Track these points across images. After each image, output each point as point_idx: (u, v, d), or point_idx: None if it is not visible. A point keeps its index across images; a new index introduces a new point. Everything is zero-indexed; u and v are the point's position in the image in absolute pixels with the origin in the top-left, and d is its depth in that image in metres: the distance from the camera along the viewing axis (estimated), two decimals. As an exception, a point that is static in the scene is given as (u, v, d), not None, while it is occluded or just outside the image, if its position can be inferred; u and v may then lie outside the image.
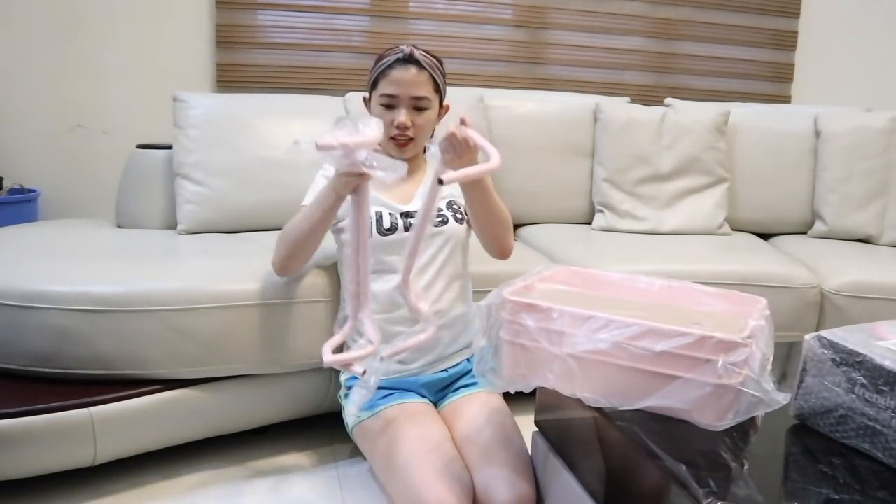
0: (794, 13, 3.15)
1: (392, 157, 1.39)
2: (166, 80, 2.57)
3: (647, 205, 2.36)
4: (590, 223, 2.42)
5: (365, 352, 1.24)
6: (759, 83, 3.18)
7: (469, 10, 2.84)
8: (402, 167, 1.16)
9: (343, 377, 1.49)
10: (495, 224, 1.42)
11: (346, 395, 1.46)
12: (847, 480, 0.88)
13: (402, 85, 1.43)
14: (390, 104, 1.44)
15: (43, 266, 1.56)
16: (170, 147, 2.08)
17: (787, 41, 3.17)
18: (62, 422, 1.35)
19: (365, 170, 1.16)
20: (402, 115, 1.43)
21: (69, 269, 1.54)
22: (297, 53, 2.71)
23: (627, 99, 2.57)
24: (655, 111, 2.43)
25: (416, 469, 1.20)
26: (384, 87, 1.44)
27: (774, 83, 3.20)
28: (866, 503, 0.84)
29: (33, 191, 2.53)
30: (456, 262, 1.48)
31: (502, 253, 1.47)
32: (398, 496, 1.23)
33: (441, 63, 1.50)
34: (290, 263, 1.46)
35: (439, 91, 1.49)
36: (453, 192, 1.50)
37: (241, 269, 1.59)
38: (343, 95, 2.18)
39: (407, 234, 1.40)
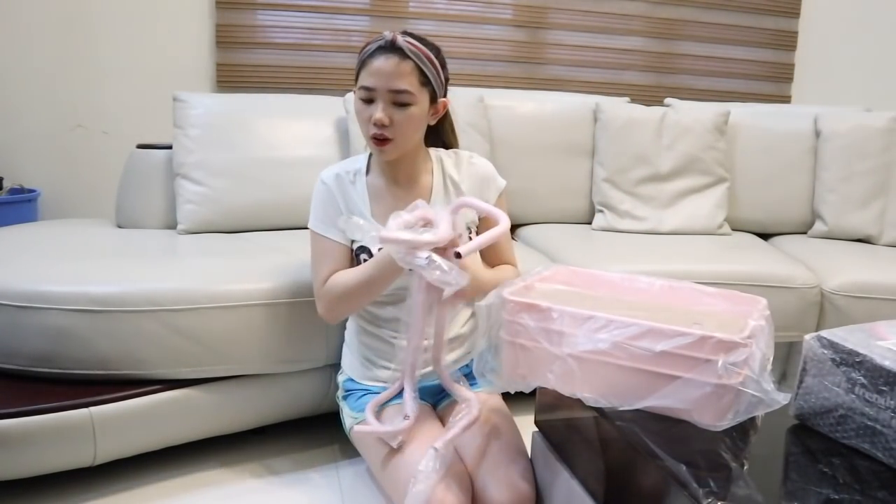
0: (794, 13, 3.15)
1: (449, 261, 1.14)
2: (166, 80, 2.57)
3: (647, 205, 2.36)
4: (590, 223, 2.42)
5: (403, 427, 1.24)
6: (759, 83, 3.18)
7: (469, 10, 2.85)
8: (464, 279, 1.09)
9: (340, 378, 1.49)
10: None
11: (344, 397, 1.45)
12: (847, 480, 0.88)
13: (381, 76, 1.26)
14: (368, 98, 1.29)
15: (43, 266, 1.56)
16: (170, 147, 2.08)
17: (787, 41, 3.17)
18: (62, 422, 1.35)
19: (422, 272, 1.10)
20: (379, 111, 1.27)
21: (69, 269, 1.54)
22: (297, 53, 2.71)
23: (627, 99, 2.57)
24: (655, 111, 2.43)
25: (414, 470, 1.20)
26: (363, 78, 1.28)
27: (774, 83, 3.20)
28: (866, 503, 0.84)
29: (33, 191, 2.53)
30: None
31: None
32: (397, 497, 1.23)
33: (436, 51, 1.33)
34: (342, 316, 1.43)
35: (428, 84, 1.31)
36: (470, 216, 1.40)
37: (241, 269, 1.60)
38: (343, 95, 2.18)
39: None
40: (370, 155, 1.44)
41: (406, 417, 1.24)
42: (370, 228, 1.14)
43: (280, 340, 1.54)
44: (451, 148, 1.50)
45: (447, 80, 1.37)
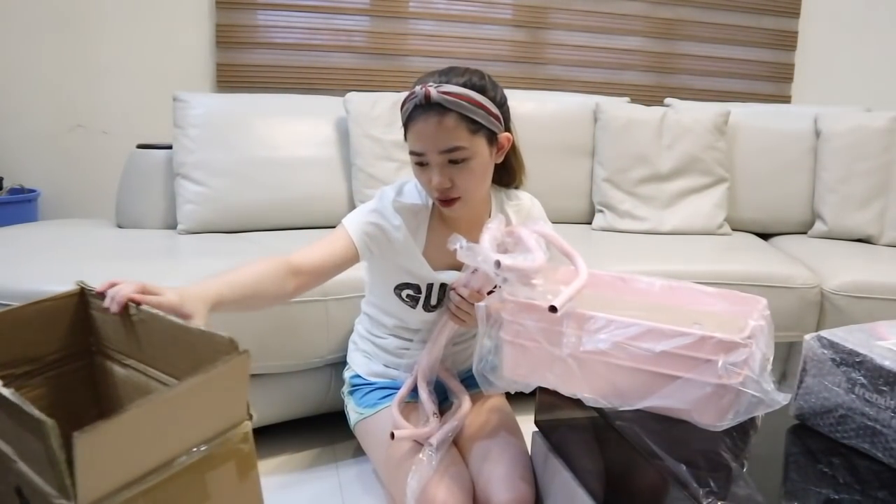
0: (794, 13, 3.15)
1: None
2: (166, 80, 2.57)
3: (647, 205, 2.36)
4: (590, 223, 2.42)
5: (435, 427, 1.26)
6: (759, 83, 3.18)
7: (469, 10, 2.84)
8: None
9: (347, 374, 1.49)
10: None
11: (351, 392, 1.45)
12: (847, 480, 0.88)
13: (426, 139, 1.15)
14: (422, 161, 1.18)
15: (43, 266, 1.56)
16: (170, 147, 2.08)
17: (787, 41, 3.17)
18: (62, 422, 1.35)
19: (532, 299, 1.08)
20: (437, 175, 1.16)
21: (69, 269, 1.54)
22: (297, 53, 2.71)
23: (627, 99, 2.57)
24: (655, 111, 2.43)
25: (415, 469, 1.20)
26: (411, 142, 1.18)
27: (774, 83, 3.20)
28: (866, 503, 0.84)
29: (33, 191, 2.53)
30: None
31: None
32: (399, 495, 1.23)
33: (480, 87, 1.18)
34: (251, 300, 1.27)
35: (481, 128, 1.17)
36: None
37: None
38: (343, 95, 2.18)
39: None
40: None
41: (435, 415, 1.28)
42: (488, 256, 1.08)
43: (280, 340, 1.54)
44: (517, 179, 1.41)
45: (503, 105, 1.25)
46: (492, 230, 1.16)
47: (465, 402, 1.32)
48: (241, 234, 1.98)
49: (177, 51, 2.63)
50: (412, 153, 1.18)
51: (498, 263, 1.07)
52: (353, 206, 2.13)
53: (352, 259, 1.25)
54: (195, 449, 0.74)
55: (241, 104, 2.16)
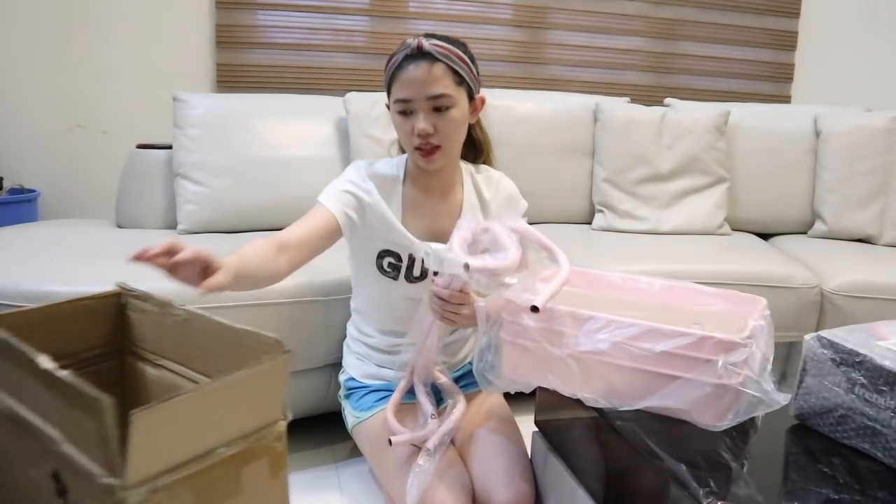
0: (794, 13, 3.15)
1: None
2: (166, 80, 2.57)
3: (647, 205, 2.36)
4: (590, 223, 2.42)
5: (433, 428, 1.25)
6: (759, 83, 3.18)
7: (469, 10, 2.84)
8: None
9: (342, 377, 1.49)
10: None
11: (346, 396, 1.45)
12: (847, 480, 0.88)
13: (415, 85, 1.22)
14: (406, 109, 1.24)
15: (43, 266, 1.56)
16: (170, 147, 2.08)
17: (787, 41, 3.17)
18: (62, 422, 1.35)
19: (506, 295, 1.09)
20: (422, 121, 1.22)
21: (69, 269, 1.54)
22: (297, 53, 2.71)
23: (627, 99, 2.57)
24: (655, 111, 2.43)
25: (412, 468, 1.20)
26: (396, 91, 1.24)
27: (774, 83, 3.20)
28: (866, 503, 0.84)
29: (33, 191, 2.53)
30: None
31: None
32: (397, 497, 1.23)
33: (463, 47, 1.28)
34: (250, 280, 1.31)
35: (464, 82, 1.26)
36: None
37: (241, 269, 1.59)
38: (343, 95, 2.18)
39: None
40: (405, 161, 1.38)
41: (433, 416, 1.26)
42: (455, 261, 1.09)
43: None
44: (484, 148, 1.46)
45: (478, 74, 1.32)
46: (462, 230, 1.15)
47: (461, 402, 1.31)
48: (241, 234, 1.98)
49: (177, 51, 2.63)
50: (398, 101, 1.24)
51: (467, 266, 1.06)
52: (353, 206, 2.13)
53: (333, 230, 1.29)
54: (233, 442, 0.76)
55: (240, 104, 2.16)
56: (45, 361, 0.71)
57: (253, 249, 1.17)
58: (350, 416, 1.42)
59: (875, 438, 0.93)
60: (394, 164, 1.37)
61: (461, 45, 1.29)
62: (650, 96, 2.95)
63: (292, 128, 2.14)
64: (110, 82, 2.59)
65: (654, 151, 2.37)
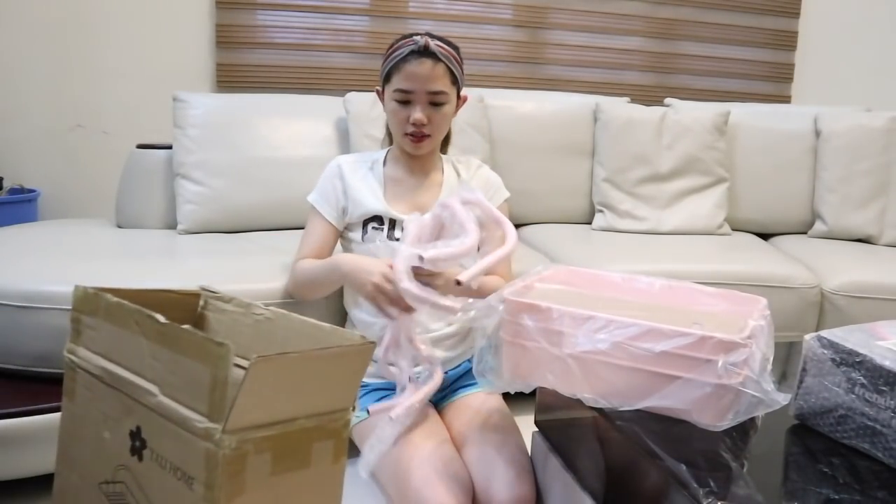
0: (794, 13, 3.15)
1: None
2: (166, 80, 2.57)
3: (647, 205, 2.36)
4: (590, 223, 2.42)
5: (410, 394, 1.24)
6: (759, 83, 3.17)
7: (469, 10, 2.84)
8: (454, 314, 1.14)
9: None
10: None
11: None
12: (847, 480, 0.88)
13: (418, 80, 1.35)
14: (405, 99, 1.37)
15: (43, 266, 1.56)
16: (170, 147, 2.08)
17: (787, 41, 3.17)
18: (62, 422, 1.35)
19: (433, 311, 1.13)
20: (418, 112, 1.36)
21: (69, 269, 1.54)
22: (297, 53, 2.71)
23: (627, 99, 2.57)
24: (655, 111, 2.43)
25: (415, 470, 1.20)
26: (398, 82, 1.36)
27: (774, 83, 3.20)
28: (866, 503, 0.84)
29: (33, 191, 2.53)
30: None
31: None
32: (397, 497, 1.23)
33: (458, 51, 1.43)
34: (306, 298, 1.50)
35: (456, 82, 1.41)
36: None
37: (241, 269, 1.60)
38: (343, 95, 2.18)
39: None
40: (387, 151, 1.52)
41: (412, 381, 1.26)
42: (409, 256, 1.13)
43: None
44: (449, 139, 1.59)
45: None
46: (415, 223, 1.20)
47: (437, 374, 1.30)
48: (241, 234, 1.98)
49: (177, 51, 2.63)
50: (399, 91, 1.36)
51: (421, 258, 1.09)
52: (353, 206, 2.13)
53: (335, 233, 1.47)
54: (312, 416, 0.83)
55: (241, 104, 2.16)
56: (162, 318, 0.80)
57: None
58: (352, 415, 1.42)
59: (875, 438, 0.93)
60: (375, 153, 1.54)
61: (456, 47, 1.43)
62: (650, 96, 2.95)
63: (292, 128, 2.14)
64: (110, 82, 2.59)
65: (654, 151, 2.37)
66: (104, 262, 1.61)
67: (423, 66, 1.34)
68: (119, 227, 2.09)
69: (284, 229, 2.05)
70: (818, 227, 2.46)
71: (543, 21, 2.93)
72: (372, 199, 1.44)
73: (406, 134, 1.39)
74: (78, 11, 2.53)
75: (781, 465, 0.96)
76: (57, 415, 1.34)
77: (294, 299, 1.50)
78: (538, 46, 2.95)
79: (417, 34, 1.37)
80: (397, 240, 1.39)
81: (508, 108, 2.38)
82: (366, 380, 1.42)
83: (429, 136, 1.39)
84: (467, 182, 1.50)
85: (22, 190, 2.53)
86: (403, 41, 1.37)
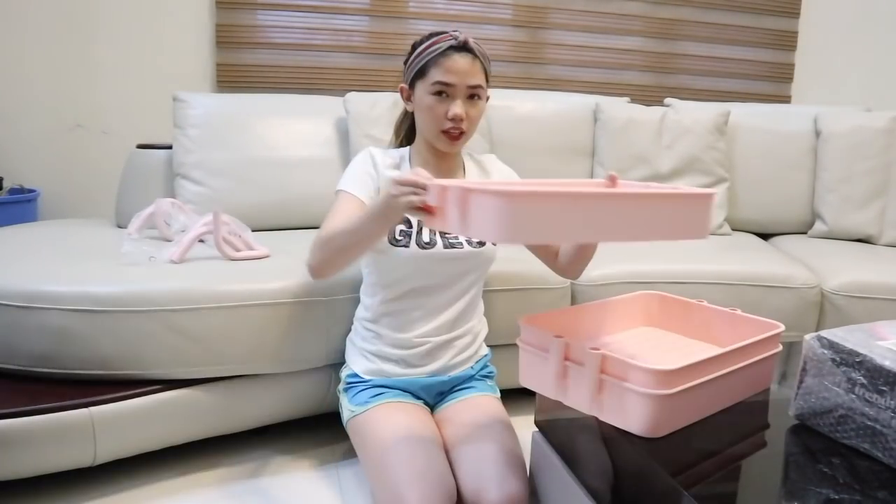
0: (794, 13, 3.15)
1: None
2: (166, 80, 2.57)
3: (647, 205, 2.35)
4: (590, 223, 2.41)
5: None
6: (759, 83, 3.18)
7: (469, 10, 2.84)
8: None
9: (343, 372, 1.49)
10: (589, 259, 1.41)
11: (345, 389, 1.45)
12: (847, 480, 0.88)
13: (459, 74, 1.33)
14: (444, 92, 1.34)
15: (43, 266, 1.56)
16: (170, 147, 2.08)
17: (787, 41, 3.17)
18: (62, 422, 1.35)
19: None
20: (459, 107, 1.34)
21: (69, 269, 1.54)
22: (297, 53, 2.71)
23: (627, 99, 2.57)
24: (655, 111, 2.43)
25: (398, 468, 1.20)
26: (438, 75, 1.33)
27: (774, 83, 3.20)
28: (866, 503, 0.84)
29: (33, 191, 2.53)
30: (480, 281, 1.47)
31: (578, 276, 1.47)
32: (380, 493, 1.23)
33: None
34: (329, 269, 1.30)
35: (487, 80, 1.41)
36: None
37: (241, 269, 1.60)
38: (343, 95, 2.18)
39: (447, 251, 1.36)
40: (409, 149, 1.48)
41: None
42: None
43: (280, 340, 1.54)
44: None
45: None
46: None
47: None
48: (241, 234, 1.97)
49: (177, 51, 2.63)
50: (439, 83, 1.33)
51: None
52: (353, 206, 2.13)
53: (361, 207, 1.36)
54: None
55: (241, 104, 2.16)
56: None
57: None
58: (346, 409, 1.42)
59: (875, 438, 0.93)
60: (398, 154, 1.46)
61: (486, 51, 1.43)
62: (650, 96, 2.95)
63: (292, 128, 2.14)
64: (110, 82, 2.59)
65: (654, 151, 2.37)
66: (104, 263, 1.61)
67: (465, 60, 1.34)
68: (119, 227, 2.09)
69: (284, 229, 2.05)
70: (818, 227, 2.46)
71: (543, 21, 2.93)
72: None
73: (443, 131, 1.35)
74: (78, 11, 2.53)
75: (781, 465, 0.96)
76: (57, 415, 1.35)
77: (317, 277, 1.32)
78: (538, 46, 2.95)
79: (454, 31, 1.37)
80: (427, 244, 1.36)
81: (508, 108, 2.38)
82: (366, 376, 1.43)
83: (465, 132, 1.37)
84: (490, 174, 1.51)
85: (22, 190, 2.53)
86: (438, 37, 1.36)
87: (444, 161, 1.44)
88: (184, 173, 2.01)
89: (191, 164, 2.01)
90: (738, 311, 1.28)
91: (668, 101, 2.65)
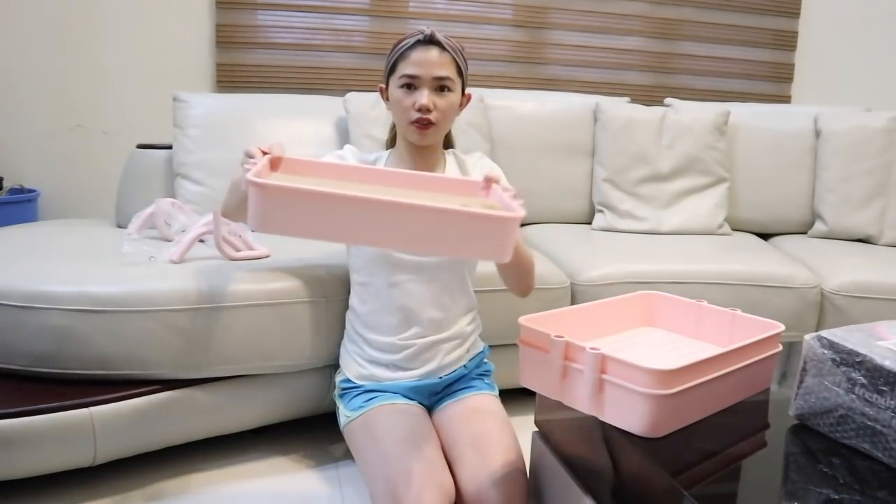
0: (794, 13, 3.15)
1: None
2: (166, 80, 2.57)
3: (647, 205, 2.36)
4: (590, 223, 2.42)
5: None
6: (759, 83, 3.18)
7: (469, 10, 2.84)
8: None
9: (338, 378, 1.49)
10: (523, 276, 1.39)
11: (340, 395, 1.46)
12: (847, 480, 0.88)
13: (424, 65, 1.35)
14: (411, 84, 1.36)
15: (43, 266, 1.56)
16: (170, 147, 2.08)
17: (787, 41, 3.17)
18: (62, 422, 1.35)
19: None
20: (424, 97, 1.35)
21: (69, 269, 1.54)
22: (297, 53, 2.71)
23: (627, 99, 2.57)
24: (655, 111, 2.43)
25: (395, 470, 1.20)
26: (404, 69, 1.36)
27: (774, 83, 3.20)
28: (866, 503, 0.84)
29: (33, 191, 2.53)
30: (466, 278, 1.46)
31: (524, 294, 1.43)
32: (377, 496, 1.22)
33: (463, 49, 1.44)
34: (232, 217, 1.48)
35: (461, 75, 1.41)
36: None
37: (241, 269, 1.59)
38: (343, 95, 2.18)
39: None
40: (389, 152, 1.50)
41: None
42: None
43: (280, 340, 1.54)
44: (452, 141, 1.58)
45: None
46: None
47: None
48: (241, 234, 1.97)
49: (177, 51, 2.63)
50: (405, 76, 1.35)
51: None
52: (353, 206, 2.13)
53: None
54: None
55: (241, 104, 2.16)
56: None
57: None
58: (342, 415, 1.42)
59: (875, 438, 0.93)
60: (374, 156, 1.50)
61: (461, 46, 1.44)
62: (650, 96, 2.95)
63: (292, 128, 2.14)
64: (110, 82, 2.59)
65: (654, 151, 2.37)
66: (104, 263, 1.61)
67: (430, 52, 1.36)
68: (119, 227, 2.09)
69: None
70: (818, 227, 2.46)
71: (543, 21, 2.93)
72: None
73: (411, 122, 1.37)
74: (78, 11, 2.53)
75: (781, 465, 0.96)
76: (57, 415, 1.35)
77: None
78: (538, 46, 2.95)
79: (424, 28, 1.39)
80: None
81: (508, 108, 2.38)
82: (358, 381, 1.43)
83: (434, 123, 1.37)
84: (470, 169, 1.49)
85: (22, 190, 2.53)
86: (409, 35, 1.39)
87: (422, 157, 1.45)
88: (184, 173, 2.01)
89: (191, 164, 2.01)
90: (738, 312, 1.28)
91: (668, 101, 2.65)
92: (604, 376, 1.01)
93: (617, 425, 1.00)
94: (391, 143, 1.53)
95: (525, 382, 1.17)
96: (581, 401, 1.05)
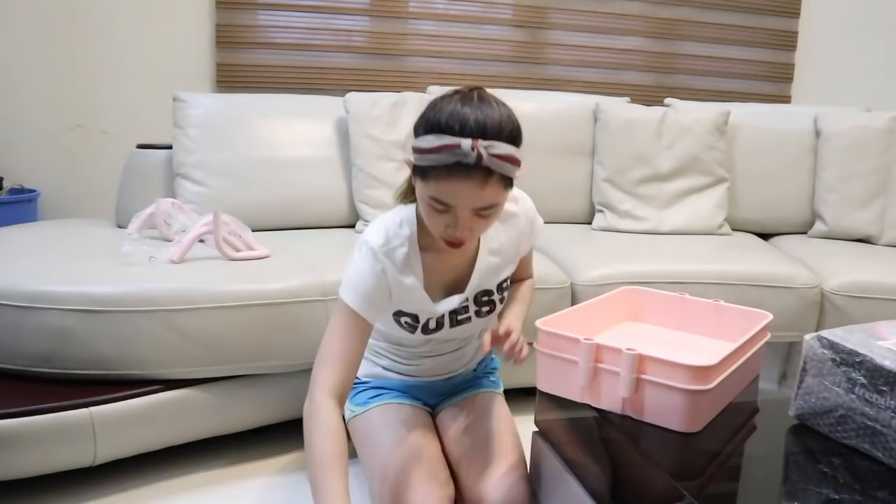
0: (794, 13, 3.15)
1: None
2: (166, 80, 2.57)
3: (647, 205, 2.36)
4: (590, 223, 2.42)
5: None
6: (759, 83, 3.18)
7: (469, 10, 2.84)
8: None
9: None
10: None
11: None
12: (847, 480, 0.88)
13: (462, 197, 1.03)
14: (443, 210, 1.06)
15: (43, 266, 1.56)
16: (170, 147, 2.08)
17: (787, 41, 3.17)
18: (62, 422, 1.35)
19: None
20: (460, 230, 1.07)
21: (69, 269, 1.54)
22: (297, 53, 2.71)
23: (627, 99, 2.57)
24: (655, 111, 2.43)
25: (396, 468, 1.20)
26: (435, 191, 1.04)
27: (774, 83, 3.20)
28: (866, 503, 0.84)
29: (33, 191, 2.53)
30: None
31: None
32: (379, 493, 1.23)
33: (516, 134, 1.10)
34: None
35: (511, 182, 1.10)
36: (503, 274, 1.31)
37: (241, 269, 1.60)
38: (343, 95, 2.18)
39: (454, 329, 1.28)
40: (414, 234, 1.20)
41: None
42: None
43: (280, 340, 1.54)
44: None
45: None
46: None
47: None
48: (241, 234, 1.97)
49: (177, 51, 2.63)
50: (435, 200, 1.05)
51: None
52: (352, 206, 2.13)
53: (368, 330, 1.16)
54: None
55: (241, 104, 2.16)
56: None
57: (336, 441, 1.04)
58: (347, 409, 1.42)
59: (875, 438, 0.93)
60: (404, 220, 1.20)
61: (515, 132, 1.09)
62: (650, 96, 2.95)
63: (292, 128, 2.14)
64: (110, 82, 2.59)
65: (654, 151, 2.37)
66: (104, 263, 1.61)
67: (472, 183, 1.02)
68: (119, 227, 2.09)
69: (284, 229, 2.05)
70: (818, 227, 2.46)
71: (543, 21, 2.93)
72: (414, 305, 1.24)
73: (442, 237, 1.12)
74: (78, 11, 2.53)
75: (781, 465, 0.96)
76: (57, 415, 1.35)
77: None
78: (538, 46, 2.95)
79: (457, 118, 1.02)
80: (433, 329, 1.28)
81: (508, 108, 2.37)
82: (365, 378, 1.43)
83: (466, 242, 1.12)
84: (500, 250, 1.29)
85: (22, 190, 2.53)
86: (447, 141, 1.00)
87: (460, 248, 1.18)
88: (184, 173, 2.01)
89: (191, 164, 2.01)
90: (722, 302, 1.31)
91: (668, 101, 2.65)
92: (641, 376, 1.02)
93: (657, 423, 1.01)
94: (405, 196, 1.25)
95: (544, 387, 1.16)
96: (615, 402, 1.05)
